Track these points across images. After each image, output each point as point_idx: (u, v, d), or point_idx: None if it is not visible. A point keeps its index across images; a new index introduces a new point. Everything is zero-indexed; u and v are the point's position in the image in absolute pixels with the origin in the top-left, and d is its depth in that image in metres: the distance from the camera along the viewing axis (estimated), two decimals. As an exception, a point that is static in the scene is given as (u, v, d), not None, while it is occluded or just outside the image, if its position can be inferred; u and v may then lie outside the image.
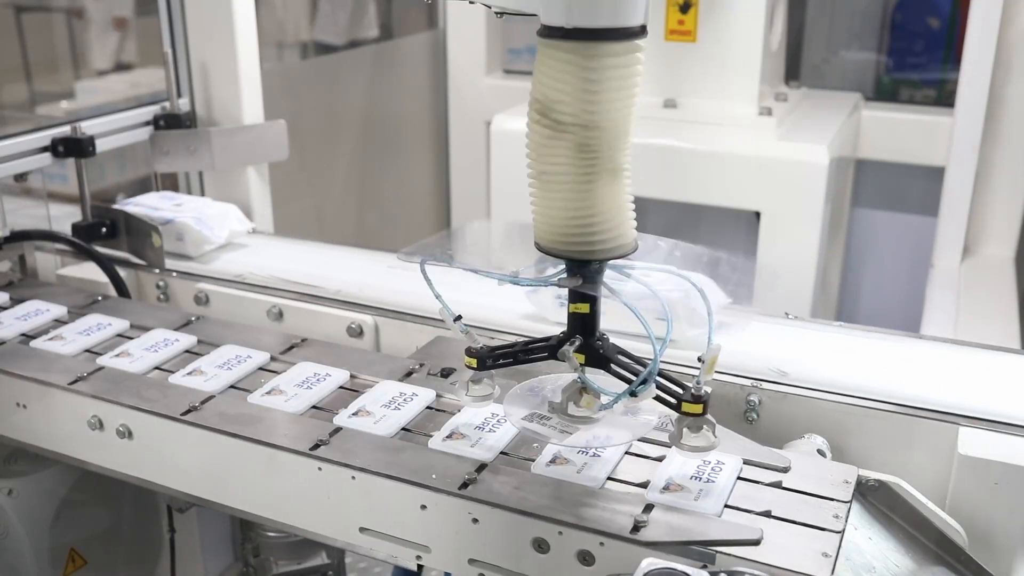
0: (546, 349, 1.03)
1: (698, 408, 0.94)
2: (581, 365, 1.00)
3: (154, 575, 1.75)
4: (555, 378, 1.09)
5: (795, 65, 3.06)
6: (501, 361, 1.04)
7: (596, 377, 1.02)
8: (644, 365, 0.98)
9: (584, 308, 0.97)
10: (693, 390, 0.95)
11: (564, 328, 1.03)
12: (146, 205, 1.82)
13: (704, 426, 0.96)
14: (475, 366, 1.03)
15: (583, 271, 0.95)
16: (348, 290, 1.59)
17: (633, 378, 0.97)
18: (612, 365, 0.99)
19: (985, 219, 2.50)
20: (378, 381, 1.26)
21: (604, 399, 1.01)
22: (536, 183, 0.94)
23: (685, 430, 0.96)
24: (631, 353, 1.01)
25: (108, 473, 1.29)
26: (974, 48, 2.27)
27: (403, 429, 1.16)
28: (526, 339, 1.07)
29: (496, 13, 0.95)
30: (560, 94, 0.88)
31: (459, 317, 1.05)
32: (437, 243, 1.10)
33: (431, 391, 1.23)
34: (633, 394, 0.96)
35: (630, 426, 1.04)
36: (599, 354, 1.00)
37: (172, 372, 1.29)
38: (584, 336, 1.00)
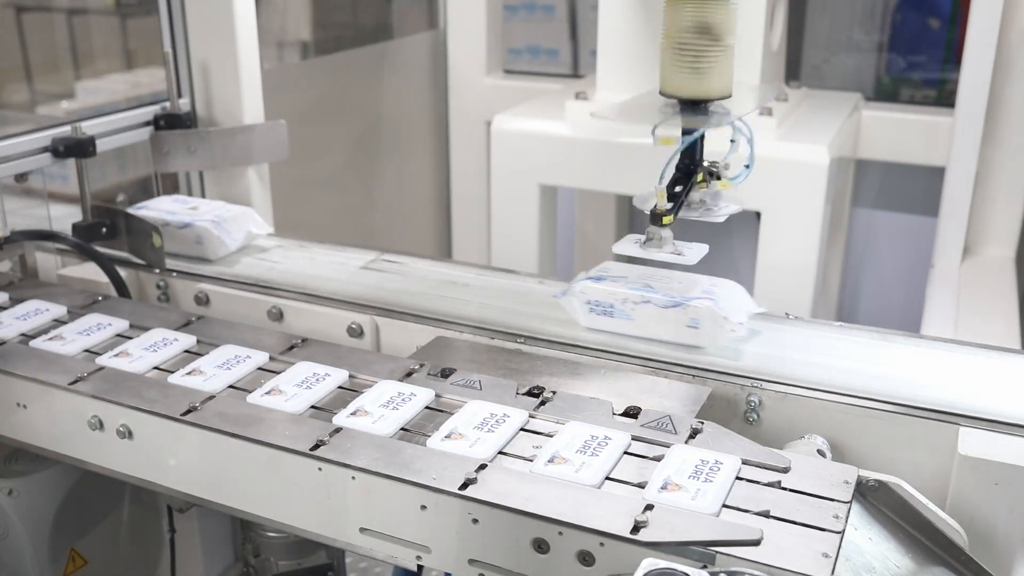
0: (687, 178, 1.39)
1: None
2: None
3: (154, 575, 1.75)
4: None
5: (795, 65, 3.06)
6: (679, 202, 1.38)
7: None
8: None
9: (671, 141, 1.34)
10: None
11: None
12: (162, 210, 1.81)
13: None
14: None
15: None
16: (348, 290, 1.59)
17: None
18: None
19: (985, 219, 2.50)
20: (377, 381, 1.26)
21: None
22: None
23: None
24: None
25: (108, 473, 1.29)
26: (974, 48, 2.27)
27: (402, 429, 1.16)
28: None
29: None
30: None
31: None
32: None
33: (430, 391, 1.23)
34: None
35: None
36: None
37: (171, 372, 1.29)
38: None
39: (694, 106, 1.36)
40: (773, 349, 1.37)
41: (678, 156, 1.38)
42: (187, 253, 1.74)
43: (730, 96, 1.37)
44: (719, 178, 1.41)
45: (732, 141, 1.40)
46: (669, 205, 1.35)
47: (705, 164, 1.41)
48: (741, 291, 1.43)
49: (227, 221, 1.76)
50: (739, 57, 2.39)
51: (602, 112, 1.40)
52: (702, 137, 1.38)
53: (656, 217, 1.35)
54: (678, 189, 1.38)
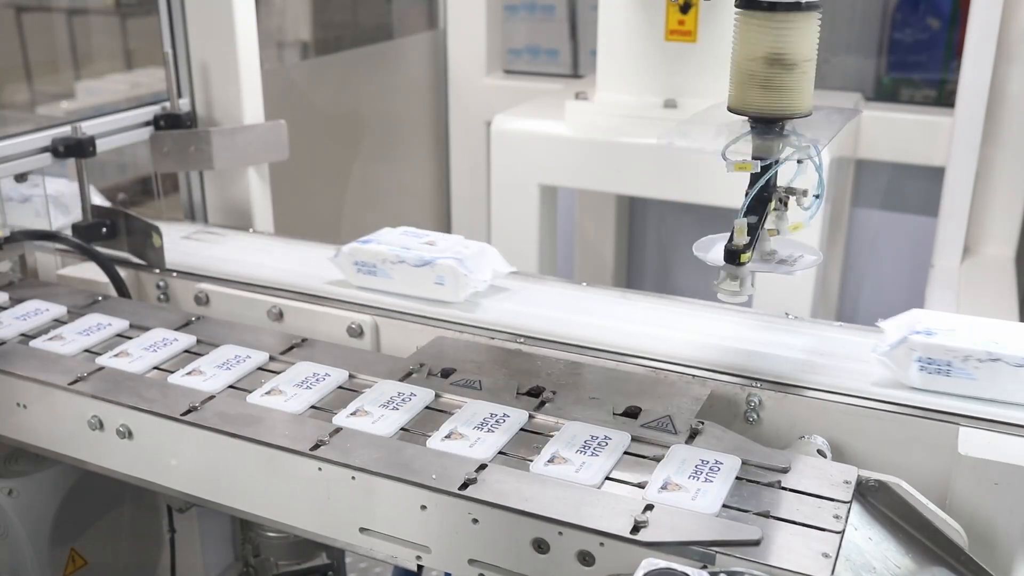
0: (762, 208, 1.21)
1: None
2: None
3: (154, 575, 1.75)
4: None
5: (795, 65, 3.06)
6: (755, 237, 1.20)
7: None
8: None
9: (748, 167, 1.17)
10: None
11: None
12: (393, 244, 1.58)
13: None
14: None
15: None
16: (345, 290, 1.59)
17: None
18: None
19: (985, 219, 2.50)
20: (377, 381, 1.26)
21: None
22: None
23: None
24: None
25: (108, 473, 1.29)
26: (974, 48, 2.27)
27: (402, 429, 1.16)
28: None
29: None
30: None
31: None
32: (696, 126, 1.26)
33: (430, 391, 1.23)
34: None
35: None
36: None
37: (171, 372, 1.29)
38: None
39: (768, 124, 1.17)
40: (773, 349, 1.37)
41: (756, 187, 1.20)
42: (423, 295, 1.53)
43: (810, 113, 1.19)
44: (787, 206, 1.23)
45: (799, 162, 1.19)
46: (747, 239, 1.17)
47: (779, 189, 1.22)
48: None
49: (469, 259, 1.54)
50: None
51: (668, 134, 1.23)
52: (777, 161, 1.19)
53: (733, 255, 1.17)
54: (752, 220, 1.20)
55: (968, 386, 1.22)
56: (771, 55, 1.12)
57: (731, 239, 1.17)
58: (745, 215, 1.19)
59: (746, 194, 1.19)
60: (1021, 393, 1.20)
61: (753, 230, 1.19)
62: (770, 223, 1.22)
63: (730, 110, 1.19)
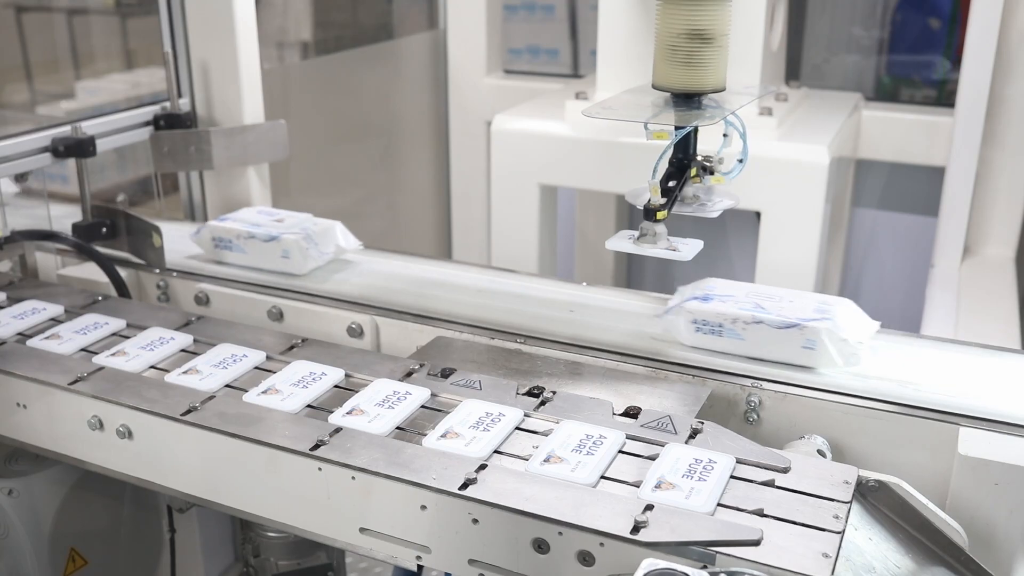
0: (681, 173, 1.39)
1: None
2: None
3: (154, 575, 1.75)
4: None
5: (795, 65, 3.06)
6: (672, 198, 1.38)
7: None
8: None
9: (665, 136, 1.34)
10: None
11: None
12: (245, 221, 1.75)
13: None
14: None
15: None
16: (348, 290, 1.59)
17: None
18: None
19: (985, 219, 2.50)
20: (374, 380, 1.26)
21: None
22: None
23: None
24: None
25: (108, 473, 1.29)
26: (974, 48, 2.27)
27: (398, 428, 1.16)
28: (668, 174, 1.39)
29: None
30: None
31: None
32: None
33: (426, 390, 1.23)
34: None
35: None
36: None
37: (168, 371, 1.29)
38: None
39: (687, 99, 1.35)
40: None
41: (671, 151, 1.38)
42: (271, 268, 1.68)
43: (724, 90, 1.36)
44: (712, 173, 1.41)
45: (725, 136, 1.39)
46: (663, 200, 1.35)
47: (699, 159, 1.40)
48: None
49: (315, 234, 1.69)
50: (739, 57, 2.39)
51: (593, 111, 1.38)
52: (695, 132, 1.37)
53: (650, 212, 1.35)
54: (672, 184, 1.38)
55: (738, 345, 1.35)
56: (691, 31, 1.30)
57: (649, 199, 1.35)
58: (663, 179, 1.37)
59: (660, 157, 1.39)
60: (781, 351, 1.33)
61: (670, 192, 1.36)
62: (690, 187, 1.41)
63: (654, 87, 1.37)
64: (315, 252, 1.68)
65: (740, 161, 1.40)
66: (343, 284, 1.64)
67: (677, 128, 1.33)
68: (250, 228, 1.71)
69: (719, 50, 1.32)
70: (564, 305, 1.54)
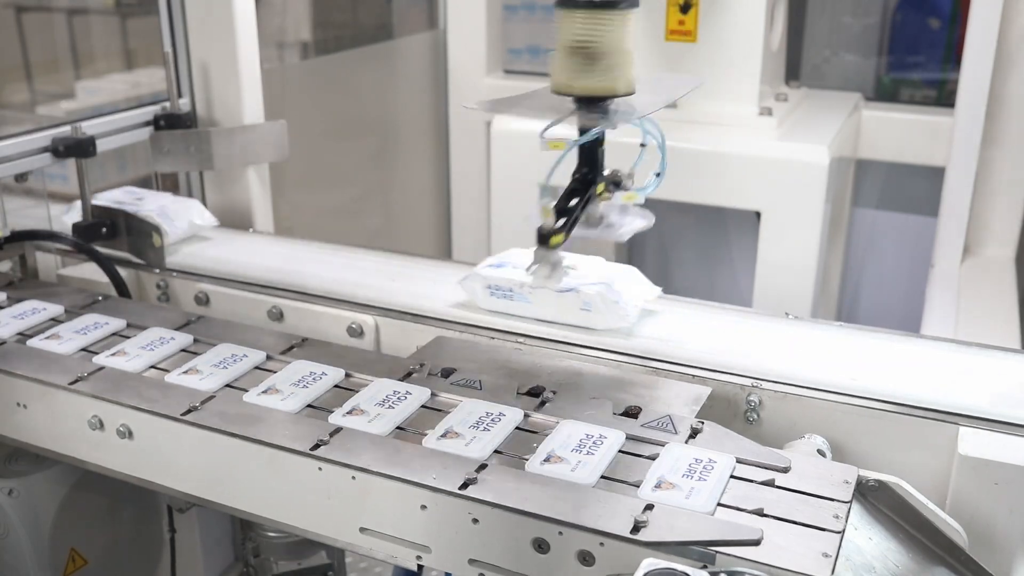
0: (585, 190, 1.22)
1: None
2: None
3: (154, 575, 1.75)
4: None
5: (795, 65, 3.06)
6: (572, 219, 1.19)
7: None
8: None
9: (561, 145, 1.19)
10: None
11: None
12: (111, 200, 1.87)
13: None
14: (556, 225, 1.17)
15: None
16: (348, 290, 1.59)
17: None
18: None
19: (985, 219, 2.50)
20: (373, 380, 1.26)
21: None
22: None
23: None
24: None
25: (108, 473, 1.29)
26: (974, 48, 2.27)
27: (398, 428, 1.16)
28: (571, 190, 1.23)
29: None
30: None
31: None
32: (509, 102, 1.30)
33: (426, 389, 1.23)
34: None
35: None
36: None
37: (168, 371, 1.29)
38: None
39: (590, 103, 1.18)
40: (773, 349, 1.37)
41: (563, 163, 1.23)
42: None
43: (633, 93, 1.19)
44: (625, 189, 1.23)
45: (642, 145, 1.22)
46: (559, 223, 1.16)
47: (606, 173, 1.23)
48: (637, 274, 1.51)
49: (171, 211, 1.83)
50: (739, 57, 2.39)
51: (479, 104, 1.26)
52: (601, 141, 1.21)
53: (544, 238, 1.16)
54: (573, 203, 1.20)
55: (527, 308, 1.46)
56: (577, 45, 1.16)
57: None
58: (563, 196, 1.21)
59: (551, 172, 1.23)
60: (564, 314, 1.43)
61: (569, 213, 1.19)
62: (594, 206, 1.24)
63: (553, 92, 1.22)
64: (173, 226, 1.80)
65: (657, 175, 1.22)
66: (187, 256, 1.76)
67: (581, 134, 1.18)
68: (113, 205, 1.82)
69: (623, 60, 1.18)
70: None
